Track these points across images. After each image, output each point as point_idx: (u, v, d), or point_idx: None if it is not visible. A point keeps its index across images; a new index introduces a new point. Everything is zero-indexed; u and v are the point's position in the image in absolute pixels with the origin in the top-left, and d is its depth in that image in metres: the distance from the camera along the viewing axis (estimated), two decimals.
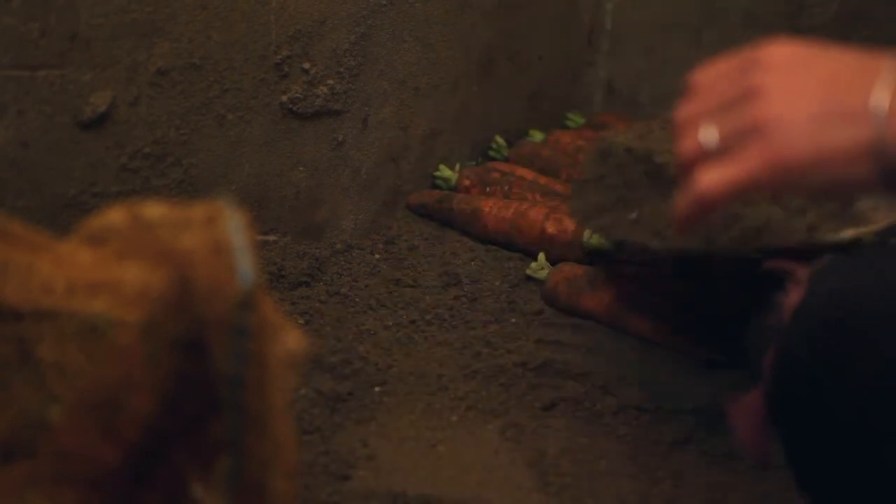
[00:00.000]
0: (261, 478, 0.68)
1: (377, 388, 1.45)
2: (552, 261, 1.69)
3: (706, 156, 0.79)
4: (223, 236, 0.68)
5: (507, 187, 1.84)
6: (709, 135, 0.79)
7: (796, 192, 0.80)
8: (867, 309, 0.93)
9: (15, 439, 0.70)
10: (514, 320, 1.61)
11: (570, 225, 1.69)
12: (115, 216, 0.73)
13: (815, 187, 0.77)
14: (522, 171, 1.88)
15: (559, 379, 1.48)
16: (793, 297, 0.96)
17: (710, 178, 0.78)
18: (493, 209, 1.76)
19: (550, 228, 1.71)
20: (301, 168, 1.69)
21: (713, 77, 0.82)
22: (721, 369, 1.49)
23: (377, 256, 1.74)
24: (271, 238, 1.67)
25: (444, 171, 1.87)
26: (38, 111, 1.38)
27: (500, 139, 1.97)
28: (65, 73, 1.39)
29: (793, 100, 0.76)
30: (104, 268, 0.72)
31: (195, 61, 1.51)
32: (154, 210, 0.72)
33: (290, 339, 0.71)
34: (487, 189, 1.84)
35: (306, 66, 1.64)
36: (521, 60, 2.05)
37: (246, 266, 0.67)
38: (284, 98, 1.63)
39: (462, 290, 1.67)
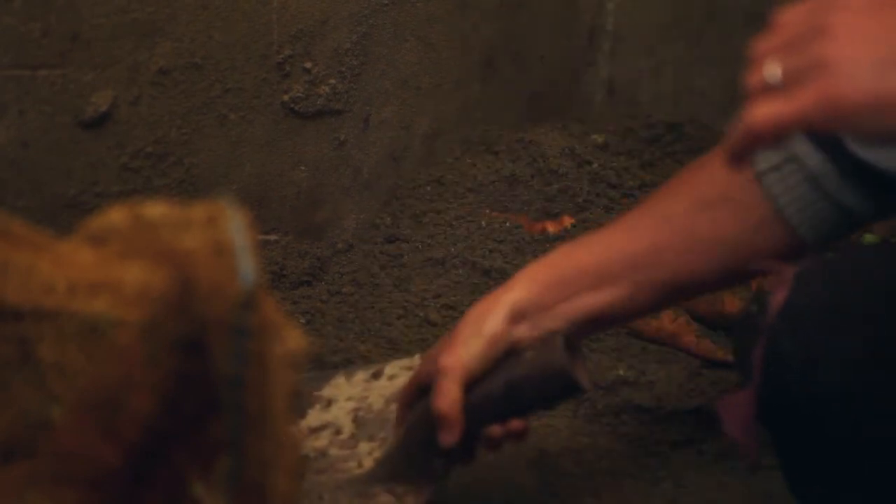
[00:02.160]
0: (261, 478, 0.68)
1: None
2: None
3: (768, 90, 0.78)
4: (224, 236, 0.68)
5: None
6: (772, 70, 0.78)
7: (848, 134, 0.79)
8: (852, 307, 0.94)
9: (15, 439, 0.70)
10: None
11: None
12: (115, 216, 0.73)
13: (866, 132, 0.75)
14: None
15: None
16: (779, 296, 0.96)
17: (762, 111, 0.77)
18: None
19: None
20: (302, 168, 1.68)
21: (793, 15, 0.81)
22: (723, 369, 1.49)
23: (378, 256, 1.74)
24: (272, 238, 1.67)
25: None
26: (39, 111, 1.38)
27: None
28: (66, 73, 1.39)
29: (858, 41, 0.75)
30: (105, 268, 0.71)
31: (196, 61, 1.51)
32: (155, 210, 0.71)
33: (292, 339, 0.71)
34: None
35: (308, 65, 1.64)
36: (523, 60, 2.05)
37: (247, 266, 0.67)
38: (286, 98, 1.63)
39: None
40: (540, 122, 2.06)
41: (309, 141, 1.68)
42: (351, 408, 1.23)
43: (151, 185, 1.50)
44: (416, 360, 1.24)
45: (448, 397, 1.09)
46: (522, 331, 1.11)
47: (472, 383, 1.10)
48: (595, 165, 1.88)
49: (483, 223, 1.80)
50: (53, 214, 1.41)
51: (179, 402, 0.69)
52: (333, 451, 1.20)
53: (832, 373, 0.92)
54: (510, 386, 1.10)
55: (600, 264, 1.12)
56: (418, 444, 1.14)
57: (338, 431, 1.21)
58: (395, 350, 1.53)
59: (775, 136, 0.77)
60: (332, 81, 1.67)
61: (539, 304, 1.12)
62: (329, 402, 1.24)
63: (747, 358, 0.97)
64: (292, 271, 1.64)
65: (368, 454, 1.19)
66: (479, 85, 1.97)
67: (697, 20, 2.20)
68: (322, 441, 1.21)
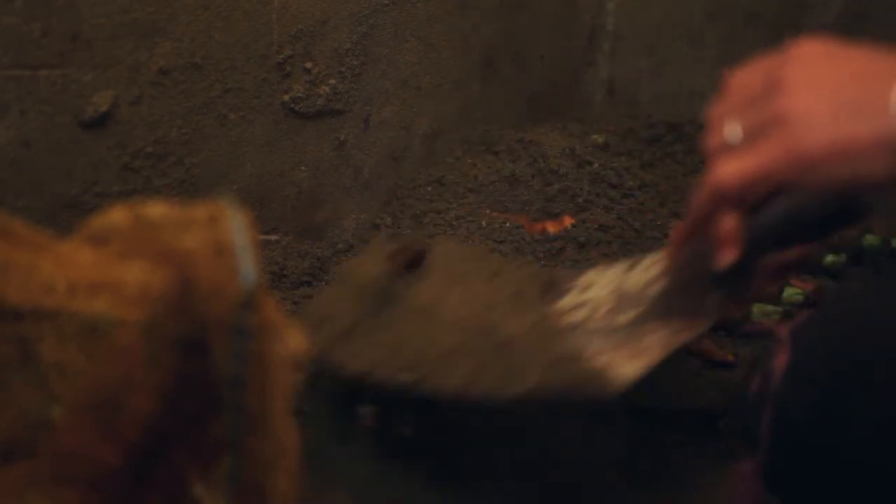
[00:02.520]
0: (262, 478, 0.68)
1: None
2: None
3: (730, 150, 0.78)
4: (225, 236, 0.68)
5: None
6: (733, 130, 0.79)
7: (811, 187, 0.79)
8: (858, 363, 0.91)
9: (15, 439, 0.70)
10: None
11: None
12: (116, 216, 0.73)
13: (830, 182, 0.76)
14: None
15: None
16: (780, 360, 0.94)
17: (726, 169, 0.77)
18: None
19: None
20: (303, 168, 1.68)
21: (744, 76, 0.81)
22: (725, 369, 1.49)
23: None
24: (273, 238, 1.67)
25: None
26: (40, 111, 1.38)
27: None
28: (66, 73, 1.39)
29: (814, 92, 0.76)
30: (105, 268, 0.72)
31: (197, 61, 1.51)
32: (156, 210, 0.72)
33: (292, 339, 0.71)
34: None
35: (308, 65, 1.64)
36: (523, 60, 2.05)
37: (248, 266, 0.67)
38: (286, 98, 1.63)
39: None
40: (540, 122, 2.06)
41: (309, 141, 1.68)
42: (610, 289, 1.22)
43: (152, 185, 1.50)
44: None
45: (729, 220, 0.99)
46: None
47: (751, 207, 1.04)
48: (595, 165, 1.88)
49: (483, 223, 1.80)
50: (54, 214, 1.41)
51: (180, 402, 0.69)
52: (593, 324, 1.19)
53: (846, 433, 0.90)
54: (792, 208, 1.00)
55: None
56: (694, 276, 1.09)
57: (596, 308, 1.20)
58: None
59: (741, 192, 0.77)
60: (333, 81, 1.67)
61: None
62: (586, 287, 1.24)
63: (753, 427, 0.95)
64: (293, 271, 1.64)
65: (628, 321, 1.18)
66: (480, 85, 1.97)
67: (698, 20, 2.20)
68: (580, 315, 1.21)
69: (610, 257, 1.67)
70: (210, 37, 1.52)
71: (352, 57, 1.69)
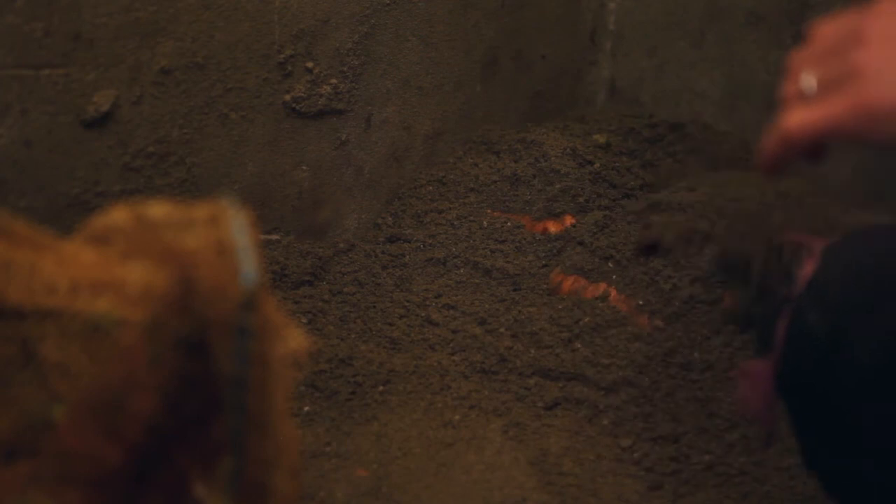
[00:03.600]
0: (263, 478, 0.68)
1: (380, 388, 1.45)
2: None
3: (804, 99, 0.78)
4: (226, 236, 0.68)
5: None
6: (808, 80, 0.78)
7: (881, 143, 0.78)
8: (880, 283, 0.93)
9: (18, 439, 0.70)
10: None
11: None
12: (118, 216, 0.73)
13: None
14: None
15: (561, 379, 1.48)
16: (807, 269, 0.96)
17: (796, 119, 0.77)
18: None
19: None
20: (304, 167, 1.69)
21: (827, 27, 0.80)
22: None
23: (380, 255, 1.74)
24: (274, 237, 1.67)
25: None
26: (42, 110, 1.38)
27: None
28: (68, 73, 1.39)
29: (890, 48, 0.75)
30: (107, 267, 0.72)
31: (198, 60, 1.51)
32: (157, 210, 0.72)
33: (293, 339, 0.71)
34: None
35: (309, 65, 1.64)
36: (524, 60, 2.05)
37: (249, 266, 0.67)
38: (287, 97, 1.63)
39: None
40: (542, 121, 2.06)
41: (310, 141, 1.68)
42: None
43: (153, 184, 1.50)
44: None
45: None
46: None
47: None
48: (597, 165, 1.88)
49: (484, 223, 1.80)
50: (56, 214, 1.41)
51: (181, 401, 0.69)
52: None
53: (859, 346, 0.91)
54: None
55: None
56: None
57: None
58: (397, 350, 1.54)
59: (809, 143, 0.77)
60: (334, 81, 1.67)
61: None
62: None
63: (769, 329, 0.97)
64: (294, 271, 1.64)
65: None
66: (481, 85, 1.97)
67: (699, 20, 2.20)
68: None
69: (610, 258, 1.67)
70: (212, 36, 1.52)
71: (353, 57, 1.69)
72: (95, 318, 0.70)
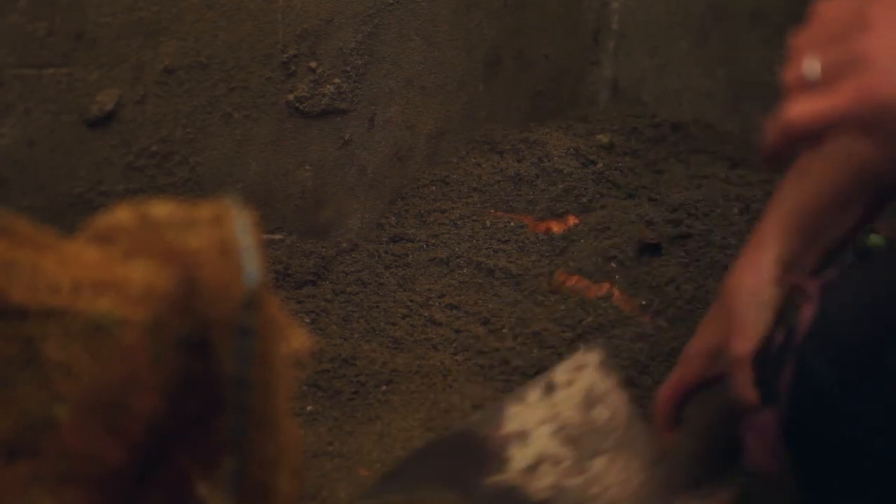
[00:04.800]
0: (265, 478, 0.68)
1: (383, 387, 1.45)
2: None
3: (807, 86, 0.75)
4: (229, 236, 0.68)
5: None
6: (811, 65, 0.75)
7: (888, 135, 0.75)
8: (883, 320, 0.90)
9: (19, 438, 0.70)
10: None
11: None
12: (121, 215, 0.73)
13: None
14: None
15: None
16: (805, 313, 0.93)
17: (800, 108, 0.74)
18: None
19: None
20: (307, 167, 1.69)
21: (831, 8, 0.77)
22: None
23: (383, 255, 1.74)
24: (277, 237, 1.67)
25: None
26: (45, 110, 1.38)
27: None
28: (71, 72, 1.39)
29: None
30: (110, 267, 0.72)
31: (202, 60, 1.51)
32: (160, 209, 0.72)
33: (296, 339, 0.71)
34: None
35: (313, 65, 1.64)
36: (527, 60, 2.05)
37: (252, 266, 0.67)
38: (291, 97, 1.63)
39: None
40: (544, 121, 2.06)
41: (314, 140, 1.68)
42: (551, 431, 1.09)
43: (156, 184, 1.50)
44: (576, 359, 1.11)
45: (748, 390, 0.98)
46: (786, 284, 1.02)
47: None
48: (600, 165, 1.88)
49: (487, 223, 1.80)
50: (58, 213, 1.41)
51: (184, 401, 0.69)
52: (570, 483, 1.07)
53: (868, 389, 0.89)
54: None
55: (836, 194, 1.01)
56: (716, 444, 1.04)
57: (556, 461, 1.08)
58: (400, 349, 1.54)
59: (814, 133, 0.74)
60: (337, 81, 1.67)
61: (795, 251, 1.01)
62: (523, 436, 1.10)
63: (770, 379, 0.94)
64: (297, 270, 1.64)
65: (608, 470, 1.06)
66: (484, 84, 1.97)
67: (702, 20, 2.20)
68: (548, 478, 1.07)
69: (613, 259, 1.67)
70: (215, 36, 1.52)
71: (356, 56, 1.69)
72: (98, 318, 0.70)
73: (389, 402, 1.42)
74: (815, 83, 0.75)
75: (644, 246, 1.68)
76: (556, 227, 1.77)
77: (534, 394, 1.12)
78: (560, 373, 1.12)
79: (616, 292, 1.62)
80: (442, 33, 1.85)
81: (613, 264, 1.66)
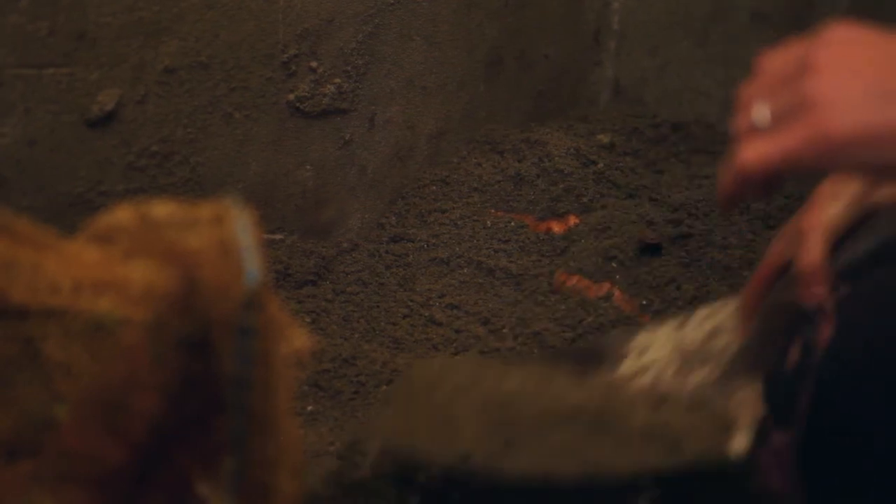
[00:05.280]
0: (266, 478, 0.68)
1: (383, 387, 1.45)
2: None
3: (757, 133, 0.77)
4: (230, 236, 0.68)
5: None
6: (760, 111, 0.77)
7: (839, 172, 0.78)
8: None
9: (20, 438, 0.70)
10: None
11: None
12: (121, 215, 0.73)
13: (858, 167, 0.74)
14: None
15: None
16: (823, 333, 0.93)
17: (751, 152, 0.75)
18: None
19: None
20: (308, 167, 1.69)
21: (777, 57, 0.79)
22: None
23: (384, 255, 1.74)
24: (278, 237, 1.67)
25: None
26: (46, 109, 1.38)
27: None
28: (72, 72, 1.39)
29: (843, 75, 0.74)
30: (110, 267, 0.72)
31: (202, 60, 1.51)
32: (161, 209, 0.72)
33: (296, 339, 0.71)
34: None
35: (313, 64, 1.64)
36: (528, 60, 2.05)
37: (253, 265, 0.67)
38: (291, 97, 1.63)
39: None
40: (545, 121, 2.06)
41: (314, 140, 1.68)
42: (670, 347, 1.14)
43: (157, 183, 1.50)
44: (721, 305, 1.15)
45: (814, 254, 0.97)
46: (882, 193, 1.00)
47: (837, 245, 0.99)
48: (600, 165, 1.88)
49: (488, 223, 1.80)
50: (59, 213, 1.41)
51: (184, 401, 0.69)
52: (667, 380, 1.12)
53: (889, 413, 0.88)
54: (881, 244, 0.98)
55: None
56: (777, 328, 1.05)
57: (662, 370, 1.13)
58: (400, 349, 1.54)
59: (765, 176, 0.75)
60: (338, 81, 1.67)
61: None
62: (643, 350, 1.16)
63: (786, 398, 0.93)
64: (297, 270, 1.64)
65: (706, 379, 1.10)
66: (485, 84, 1.97)
67: (703, 20, 2.19)
68: (646, 379, 1.13)
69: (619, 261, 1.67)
70: (216, 36, 1.52)
71: (357, 56, 1.69)
72: (98, 318, 0.70)
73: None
74: (765, 128, 0.76)
75: (644, 246, 1.68)
76: (557, 227, 1.77)
77: (669, 325, 1.17)
78: (698, 313, 1.17)
79: (616, 292, 1.62)
80: (443, 33, 1.85)
81: (614, 264, 1.66)
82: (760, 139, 0.75)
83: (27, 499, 0.69)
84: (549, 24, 2.07)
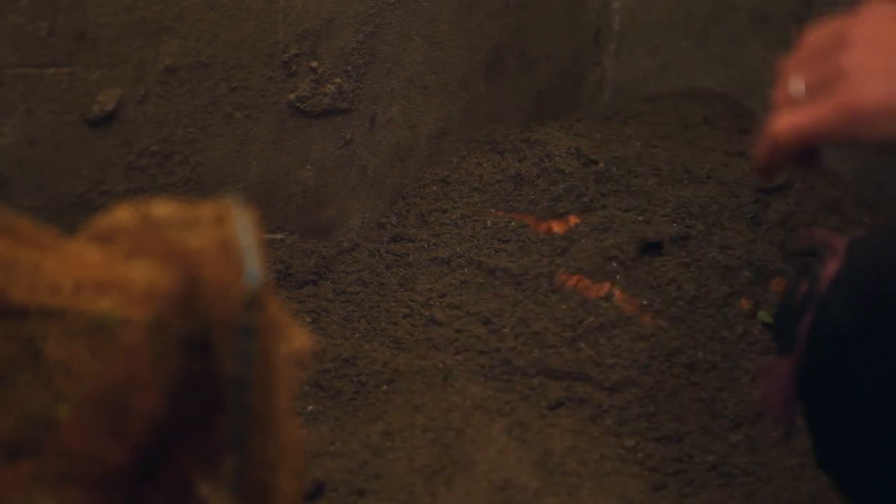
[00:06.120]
0: (266, 477, 0.68)
1: (384, 387, 1.45)
2: None
3: (793, 103, 0.80)
4: (231, 235, 0.68)
5: None
6: (796, 83, 0.80)
7: (868, 143, 0.79)
8: None
9: (21, 438, 0.70)
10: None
11: None
12: (122, 215, 0.73)
13: (881, 138, 0.77)
14: None
15: (566, 378, 1.48)
16: (830, 267, 0.96)
17: (785, 121, 0.79)
18: None
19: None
20: (308, 166, 1.69)
21: (816, 32, 0.82)
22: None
23: (384, 255, 1.74)
24: (278, 237, 1.67)
25: None
26: (47, 109, 1.38)
27: None
28: (73, 72, 1.39)
29: (876, 50, 0.77)
30: (111, 266, 0.72)
31: (203, 60, 1.51)
32: (161, 209, 0.72)
33: (297, 339, 0.71)
34: None
35: (314, 64, 1.64)
36: (528, 60, 2.05)
37: (253, 265, 0.67)
38: (292, 97, 1.63)
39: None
40: (546, 121, 2.06)
41: (315, 140, 1.68)
42: None
43: (157, 183, 1.50)
44: None
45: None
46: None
47: None
48: (601, 165, 1.88)
49: (488, 222, 1.80)
50: (60, 213, 1.41)
51: (185, 401, 0.69)
52: None
53: (884, 345, 0.91)
54: None
55: None
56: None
57: None
58: (401, 349, 1.54)
59: (798, 145, 0.78)
60: (338, 81, 1.67)
61: None
62: None
63: (790, 327, 0.96)
64: (298, 270, 1.64)
65: None
66: (485, 84, 1.97)
67: (703, 20, 2.20)
68: None
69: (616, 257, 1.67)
70: (216, 36, 1.52)
71: (357, 56, 1.69)
72: (99, 317, 0.70)
73: (391, 402, 1.42)
74: (800, 100, 0.80)
75: (645, 246, 1.68)
76: (558, 227, 1.77)
77: None
78: None
79: (617, 292, 1.63)
80: (443, 33, 1.85)
81: (614, 264, 1.66)
82: (795, 110, 0.79)
83: (28, 498, 0.69)
84: (550, 25, 2.07)
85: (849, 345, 0.93)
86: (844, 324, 0.93)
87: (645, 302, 1.60)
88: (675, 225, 1.72)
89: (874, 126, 0.75)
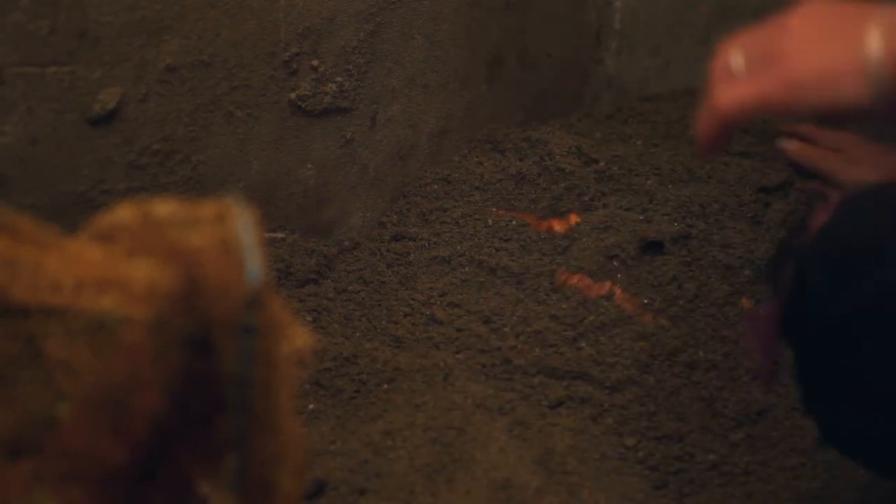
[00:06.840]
0: (267, 476, 0.68)
1: (385, 386, 1.45)
2: None
3: (731, 77, 0.88)
4: (232, 234, 0.68)
5: None
6: (736, 58, 0.89)
7: (804, 113, 0.86)
8: (887, 240, 0.95)
9: (22, 437, 0.70)
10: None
11: None
12: (123, 214, 0.73)
13: (816, 105, 0.83)
14: None
15: (566, 377, 1.48)
16: (819, 217, 0.98)
17: (727, 95, 0.86)
18: None
19: None
20: (309, 165, 1.69)
21: (756, 25, 0.92)
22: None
23: (385, 254, 1.74)
24: (279, 235, 1.67)
25: None
26: (48, 108, 1.38)
27: None
28: (74, 70, 1.39)
29: (810, 35, 0.85)
30: (112, 265, 0.72)
31: (204, 58, 1.51)
32: (163, 208, 0.72)
33: (298, 337, 0.71)
34: None
35: (315, 63, 1.64)
36: (530, 58, 2.05)
37: (254, 264, 0.67)
38: (293, 95, 1.63)
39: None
40: (547, 120, 2.06)
41: (316, 139, 1.68)
42: None
43: (158, 182, 1.50)
44: None
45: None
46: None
47: None
48: (602, 164, 1.88)
49: (489, 221, 1.80)
50: (61, 212, 1.41)
51: (186, 400, 0.69)
52: None
53: (856, 303, 0.94)
54: None
55: None
56: None
57: None
58: (402, 348, 1.54)
59: (742, 118, 0.85)
60: (339, 79, 1.67)
61: None
62: None
63: (781, 273, 0.98)
64: (299, 269, 1.64)
65: None
66: (486, 83, 1.97)
67: (705, 19, 2.19)
68: None
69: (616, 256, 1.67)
70: (217, 34, 1.52)
71: (358, 55, 1.69)
72: (100, 316, 0.70)
73: (391, 401, 1.42)
74: (739, 74, 0.87)
75: (646, 245, 1.68)
76: (558, 226, 1.77)
77: None
78: None
79: (618, 291, 1.62)
80: (444, 32, 1.85)
81: (615, 263, 1.66)
82: (735, 84, 0.87)
83: (29, 498, 0.69)
84: (551, 23, 2.07)
85: (825, 297, 0.96)
86: (816, 276, 0.96)
87: (646, 301, 1.60)
88: (676, 224, 1.72)
89: (810, 95, 0.83)
